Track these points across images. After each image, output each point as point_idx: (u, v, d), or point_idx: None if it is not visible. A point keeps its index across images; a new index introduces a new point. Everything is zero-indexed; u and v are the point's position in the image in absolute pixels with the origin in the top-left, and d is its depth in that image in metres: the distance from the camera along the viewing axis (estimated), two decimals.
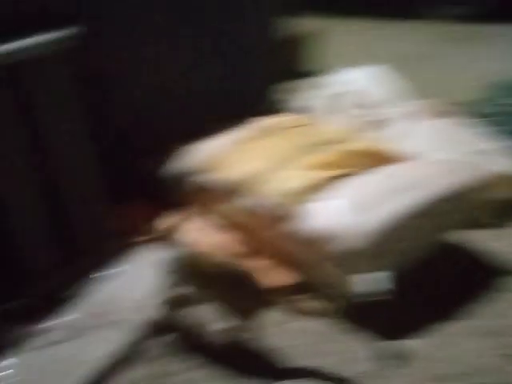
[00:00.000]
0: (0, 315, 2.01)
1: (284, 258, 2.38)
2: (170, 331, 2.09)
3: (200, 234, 2.46)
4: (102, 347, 1.99)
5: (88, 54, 2.35)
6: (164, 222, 2.56)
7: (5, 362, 1.91)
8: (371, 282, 2.10)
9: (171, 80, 3.02)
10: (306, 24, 4.92)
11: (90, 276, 2.32)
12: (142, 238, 2.51)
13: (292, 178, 2.40)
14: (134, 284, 2.26)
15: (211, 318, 2.14)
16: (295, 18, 4.41)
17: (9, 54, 2.01)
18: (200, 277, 1.95)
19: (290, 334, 2.14)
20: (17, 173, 2.17)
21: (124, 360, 1.98)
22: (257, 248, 2.45)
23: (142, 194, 2.44)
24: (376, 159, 2.56)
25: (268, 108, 3.42)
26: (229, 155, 2.66)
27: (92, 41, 2.35)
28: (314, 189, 2.34)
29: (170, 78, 3.02)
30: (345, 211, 2.24)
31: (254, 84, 3.57)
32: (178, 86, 3.06)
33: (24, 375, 1.86)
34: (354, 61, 3.77)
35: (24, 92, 2.16)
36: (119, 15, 2.66)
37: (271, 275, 2.32)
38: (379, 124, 3.13)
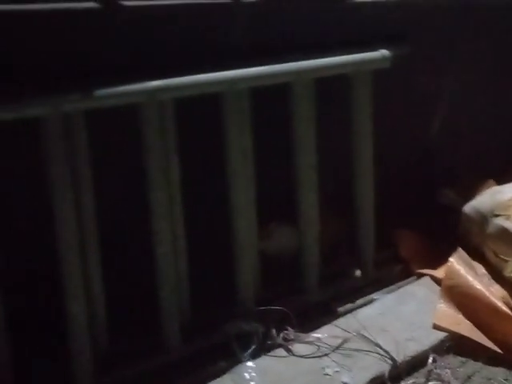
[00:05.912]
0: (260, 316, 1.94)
1: None
2: None
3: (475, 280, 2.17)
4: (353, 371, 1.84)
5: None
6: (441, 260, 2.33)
7: (251, 364, 1.83)
8: None
9: (476, 113, 2.78)
10: None
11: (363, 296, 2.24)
12: (416, 270, 2.36)
13: None
14: (398, 315, 2.11)
15: None
16: None
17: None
18: None
19: None
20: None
21: None
22: None
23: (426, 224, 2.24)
24: None
25: None
26: None
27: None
28: None
29: (476, 110, 2.78)
30: None
31: None
32: (483, 121, 2.82)
33: (267, 381, 1.78)
34: None
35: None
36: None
37: None
38: None
